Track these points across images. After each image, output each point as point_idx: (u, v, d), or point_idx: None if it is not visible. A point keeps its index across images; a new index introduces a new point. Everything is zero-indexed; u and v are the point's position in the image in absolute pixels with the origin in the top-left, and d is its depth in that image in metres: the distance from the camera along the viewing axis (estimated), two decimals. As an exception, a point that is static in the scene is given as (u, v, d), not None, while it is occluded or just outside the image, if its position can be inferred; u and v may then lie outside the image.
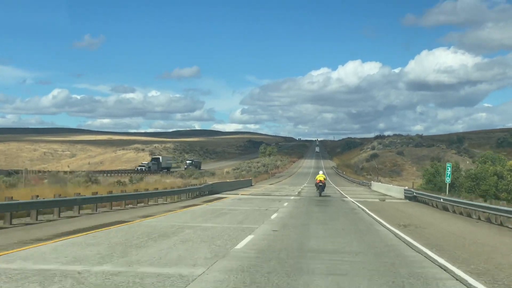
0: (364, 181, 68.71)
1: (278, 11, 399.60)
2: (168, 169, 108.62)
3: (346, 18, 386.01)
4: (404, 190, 37.18)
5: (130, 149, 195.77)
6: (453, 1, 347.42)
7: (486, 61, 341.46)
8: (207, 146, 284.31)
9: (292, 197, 36.84)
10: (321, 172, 44.81)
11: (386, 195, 42.97)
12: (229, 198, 34.18)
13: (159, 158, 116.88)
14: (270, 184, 66.00)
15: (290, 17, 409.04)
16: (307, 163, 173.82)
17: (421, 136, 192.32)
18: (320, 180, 38.60)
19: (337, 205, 30.14)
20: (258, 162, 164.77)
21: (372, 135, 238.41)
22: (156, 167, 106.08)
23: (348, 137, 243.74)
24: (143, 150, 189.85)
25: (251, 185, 58.97)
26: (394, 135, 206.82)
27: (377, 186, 54.63)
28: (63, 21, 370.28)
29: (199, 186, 34.55)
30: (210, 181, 48.38)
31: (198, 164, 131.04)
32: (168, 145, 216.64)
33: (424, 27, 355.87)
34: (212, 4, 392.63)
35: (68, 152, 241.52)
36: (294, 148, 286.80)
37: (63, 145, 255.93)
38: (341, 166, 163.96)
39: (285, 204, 29.73)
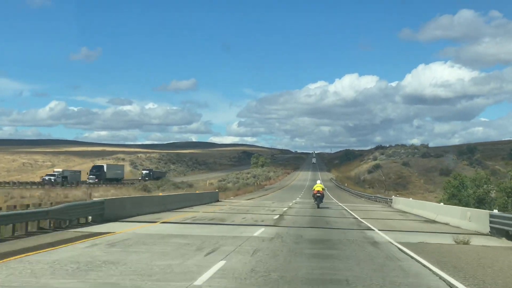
0: (380, 195, 48.16)
1: (275, 24, 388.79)
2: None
3: (343, 31, 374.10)
4: (490, 215, 17.83)
5: (110, 158, 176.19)
6: (450, 16, 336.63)
7: (483, 76, 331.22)
8: (198, 157, 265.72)
9: (260, 231, 17.39)
10: (318, 181, 39.46)
11: (437, 222, 23.54)
12: (103, 238, 14.58)
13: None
14: (248, 199, 46.71)
15: (287, 30, 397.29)
16: (303, 175, 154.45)
17: (426, 146, 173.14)
18: (318, 191, 35.86)
19: (366, 267, 10.70)
20: (248, 173, 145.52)
21: (369, 148, 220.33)
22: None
23: (347, 148, 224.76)
24: (123, 159, 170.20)
25: (216, 201, 39.69)
26: (397, 145, 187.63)
27: (405, 204, 34.90)
28: (60, 33, 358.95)
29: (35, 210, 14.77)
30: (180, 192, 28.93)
31: (160, 174, 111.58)
32: (153, 155, 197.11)
33: (420, 41, 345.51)
34: (209, 17, 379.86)
35: (49, 163, 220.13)
36: (290, 160, 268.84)
37: (46, 156, 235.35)
38: (341, 178, 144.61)
39: (215, 266, 10.26)
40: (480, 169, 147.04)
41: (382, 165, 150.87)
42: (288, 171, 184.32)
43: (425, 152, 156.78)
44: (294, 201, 46.23)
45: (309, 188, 78.00)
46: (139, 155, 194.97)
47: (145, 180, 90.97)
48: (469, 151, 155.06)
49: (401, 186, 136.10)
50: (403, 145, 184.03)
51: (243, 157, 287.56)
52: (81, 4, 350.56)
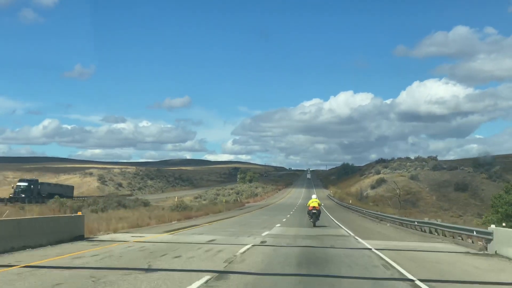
0: (436, 222, 23.47)
1: (270, 42, 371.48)
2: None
3: (338, 48, 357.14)
4: None
5: (79, 174, 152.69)
6: (445, 33, 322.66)
7: (478, 93, 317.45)
8: (184, 173, 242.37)
9: None
10: (314, 196, 33.65)
11: None
12: None
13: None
14: (184, 228, 24.04)
15: (282, 47, 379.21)
16: (296, 193, 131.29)
17: (434, 159, 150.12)
18: (314, 207, 30.72)
19: None
20: (232, 189, 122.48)
21: (367, 162, 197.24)
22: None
23: (344, 163, 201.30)
24: (90, 174, 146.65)
25: (78, 238, 16.57)
26: (400, 158, 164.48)
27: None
28: (53, 50, 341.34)
29: None
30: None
31: (60, 190, 76.34)
32: (129, 169, 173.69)
33: (415, 58, 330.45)
34: (203, 34, 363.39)
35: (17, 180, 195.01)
36: (283, 177, 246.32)
37: (17, 172, 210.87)
38: (340, 194, 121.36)
39: None
40: (502, 182, 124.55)
41: (387, 179, 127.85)
42: (279, 187, 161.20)
43: (436, 164, 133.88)
44: (269, 231, 23.68)
45: (301, 208, 55.93)
46: (114, 170, 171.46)
47: (17, 199, 61.31)
48: (486, 164, 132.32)
49: (410, 203, 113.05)
50: (407, 158, 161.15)
51: (233, 173, 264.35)
52: (74, 21, 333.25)
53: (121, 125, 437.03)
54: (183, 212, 47.87)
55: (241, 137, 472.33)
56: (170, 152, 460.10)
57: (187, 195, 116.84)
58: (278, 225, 29.74)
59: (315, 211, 30.63)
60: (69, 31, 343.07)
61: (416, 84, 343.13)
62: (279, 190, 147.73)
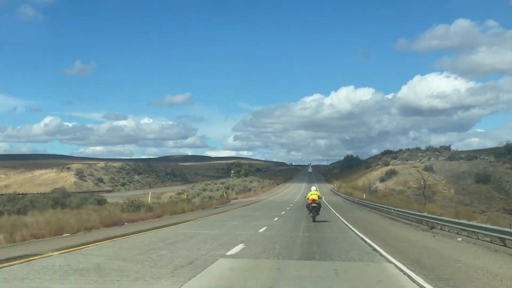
0: None
1: (270, 37, 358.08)
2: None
3: (338, 43, 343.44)
4: None
5: (57, 169, 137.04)
6: (446, 26, 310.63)
7: (479, 86, 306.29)
8: (179, 169, 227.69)
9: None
10: (314, 188, 30.94)
11: None
12: None
13: None
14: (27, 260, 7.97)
15: (282, 43, 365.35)
16: (295, 188, 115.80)
17: (447, 148, 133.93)
18: (314, 200, 27.85)
19: None
20: (223, 184, 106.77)
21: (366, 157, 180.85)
22: None
23: (348, 155, 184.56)
24: (68, 169, 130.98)
25: None
26: (408, 149, 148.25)
27: None
28: (53, 46, 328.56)
29: None
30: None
31: None
32: (115, 164, 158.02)
33: (416, 51, 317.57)
34: (203, 30, 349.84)
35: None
36: (284, 171, 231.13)
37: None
38: (345, 189, 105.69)
39: None
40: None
41: (398, 171, 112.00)
42: (278, 181, 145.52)
43: (453, 153, 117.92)
44: (201, 273, 7.52)
45: (298, 206, 40.74)
46: (98, 164, 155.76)
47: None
48: (508, 152, 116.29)
49: (426, 198, 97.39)
50: (417, 148, 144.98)
51: (232, 168, 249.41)
52: (74, 18, 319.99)
53: (122, 122, 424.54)
54: (134, 213, 33.33)
55: (242, 133, 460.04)
56: (172, 149, 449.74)
57: (171, 191, 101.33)
58: (241, 246, 14.07)
59: (315, 204, 27.76)
60: (68, 27, 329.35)
61: (417, 78, 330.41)
62: (277, 184, 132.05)
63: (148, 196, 66.64)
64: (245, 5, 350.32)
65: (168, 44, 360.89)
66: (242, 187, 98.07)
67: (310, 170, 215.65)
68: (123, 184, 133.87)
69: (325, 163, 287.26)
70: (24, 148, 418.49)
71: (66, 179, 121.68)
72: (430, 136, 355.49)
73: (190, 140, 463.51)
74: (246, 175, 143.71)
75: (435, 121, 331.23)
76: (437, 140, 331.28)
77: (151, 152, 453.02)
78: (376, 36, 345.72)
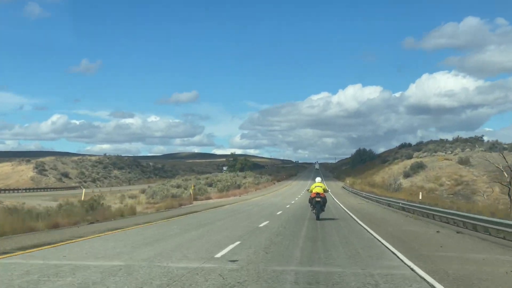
0: None
1: (277, 35, 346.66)
2: None
3: (346, 41, 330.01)
4: None
5: (16, 161, 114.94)
6: (455, 24, 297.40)
7: (488, 85, 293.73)
8: (173, 165, 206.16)
9: None
10: (318, 179, 24.05)
11: None
12: None
13: None
14: None
15: (289, 41, 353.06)
16: (297, 186, 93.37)
17: (479, 139, 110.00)
18: (318, 193, 21.84)
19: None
20: (207, 178, 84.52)
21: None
22: None
23: (360, 148, 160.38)
24: (28, 162, 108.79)
25: None
26: (431, 141, 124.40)
27: None
28: (60, 45, 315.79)
29: None
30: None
31: None
32: (94, 157, 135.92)
33: (424, 50, 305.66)
34: (210, 29, 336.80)
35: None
36: (288, 168, 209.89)
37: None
38: (362, 186, 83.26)
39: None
40: None
41: (426, 163, 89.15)
42: (280, 177, 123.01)
43: (493, 144, 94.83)
44: None
45: (293, 213, 21.64)
46: (74, 158, 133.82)
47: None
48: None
49: (463, 197, 74.43)
50: (442, 140, 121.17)
51: (232, 164, 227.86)
52: (80, 16, 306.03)
53: (129, 120, 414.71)
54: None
55: (249, 132, 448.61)
56: (179, 147, 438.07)
57: (140, 189, 79.13)
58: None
59: (319, 198, 21.49)
60: (74, 25, 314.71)
61: (425, 76, 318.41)
62: (277, 182, 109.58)
63: (82, 194, 44.32)
64: (252, 4, 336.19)
65: (175, 42, 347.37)
66: (229, 183, 75.63)
67: (317, 167, 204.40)
68: (94, 180, 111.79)
69: (332, 161, 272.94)
70: (32, 146, 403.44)
71: (23, 173, 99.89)
72: (438, 135, 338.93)
73: (197, 138, 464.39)
74: (242, 169, 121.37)
75: (443, 120, 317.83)
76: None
77: (158, 150, 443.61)
78: (384, 34, 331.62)
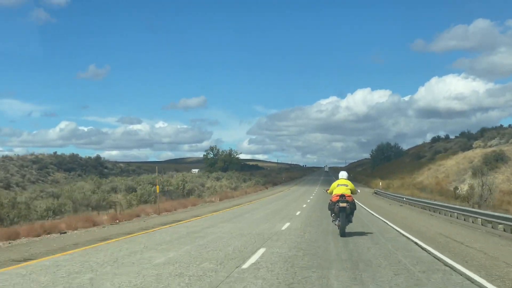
0: None
1: (285, 40, 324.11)
2: None
3: (354, 44, 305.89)
4: None
5: None
6: (465, 26, 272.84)
7: (498, 87, 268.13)
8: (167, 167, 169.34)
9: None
10: (344, 174, 14.51)
11: None
12: None
13: None
14: None
15: (298, 46, 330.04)
16: (298, 193, 59.85)
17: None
18: (342, 195, 13.44)
19: None
20: (133, 180, 49.80)
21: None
22: None
23: (382, 143, 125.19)
24: None
25: None
26: (484, 128, 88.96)
27: None
28: (67, 51, 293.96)
29: None
30: None
31: None
32: (31, 157, 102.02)
33: (434, 52, 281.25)
34: (219, 34, 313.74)
35: None
36: (294, 170, 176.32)
37: None
38: (397, 188, 47.65)
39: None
40: None
41: (507, 153, 54.09)
42: (277, 180, 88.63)
43: None
44: None
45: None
46: None
47: None
48: None
49: None
50: (494, 128, 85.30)
51: (211, 162, 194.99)
52: (87, 21, 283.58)
53: (137, 126, 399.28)
54: None
55: (257, 137, 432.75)
56: (187, 153, 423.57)
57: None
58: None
59: (344, 203, 13.10)
60: (82, 30, 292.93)
61: (434, 79, 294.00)
62: (272, 187, 75.17)
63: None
64: (260, 7, 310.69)
65: (182, 47, 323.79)
66: (189, 187, 41.16)
67: (326, 169, 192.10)
68: (19, 184, 77.88)
69: (341, 165, 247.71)
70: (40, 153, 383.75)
71: None
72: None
73: (205, 143, 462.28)
74: (225, 169, 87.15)
75: (452, 124, 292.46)
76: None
77: (166, 156, 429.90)
78: (393, 37, 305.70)
